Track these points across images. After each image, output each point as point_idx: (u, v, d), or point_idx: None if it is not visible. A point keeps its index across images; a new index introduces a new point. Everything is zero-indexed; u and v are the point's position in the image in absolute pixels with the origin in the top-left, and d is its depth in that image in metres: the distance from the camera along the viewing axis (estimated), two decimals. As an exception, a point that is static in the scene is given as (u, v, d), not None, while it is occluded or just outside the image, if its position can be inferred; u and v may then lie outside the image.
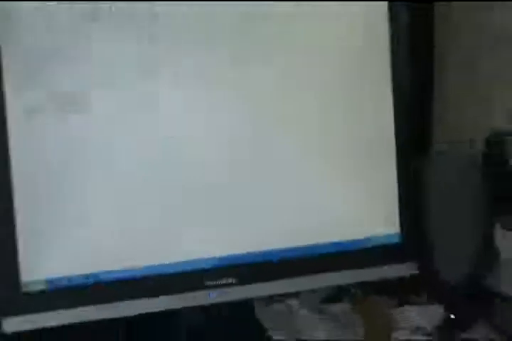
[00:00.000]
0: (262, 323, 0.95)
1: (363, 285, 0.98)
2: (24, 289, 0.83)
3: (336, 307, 0.98)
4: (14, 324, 0.83)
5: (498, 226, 0.95)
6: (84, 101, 0.82)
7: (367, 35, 0.90)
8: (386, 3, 0.91)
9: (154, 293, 0.86)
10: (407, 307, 0.97)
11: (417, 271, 0.92)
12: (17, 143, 0.81)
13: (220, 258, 0.88)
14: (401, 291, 0.99)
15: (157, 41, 0.83)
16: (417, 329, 0.93)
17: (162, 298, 0.86)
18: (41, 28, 0.81)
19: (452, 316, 0.95)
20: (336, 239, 0.91)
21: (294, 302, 0.99)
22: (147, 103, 0.84)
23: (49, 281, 0.84)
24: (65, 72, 0.81)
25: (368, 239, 0.92)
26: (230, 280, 0.87)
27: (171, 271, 0.87)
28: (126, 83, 0.82)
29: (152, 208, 0.85)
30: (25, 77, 0.81)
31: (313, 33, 0.89)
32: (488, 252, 0.95)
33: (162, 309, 0.87)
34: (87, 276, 0.84)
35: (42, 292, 0.83)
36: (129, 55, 0.83)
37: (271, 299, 0.98)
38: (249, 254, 0.89)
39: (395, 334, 0.93)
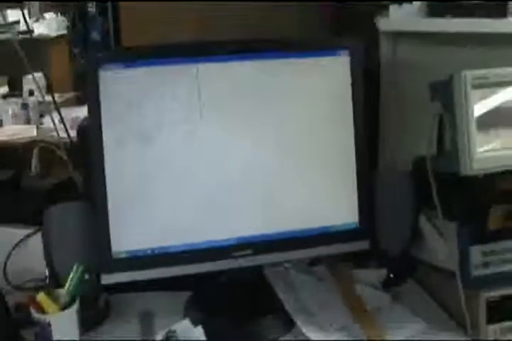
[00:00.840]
0: (269, 279, 0.95)
1: (334, 256, 0.97)
2: (114, 256, 0.85)
3: (316, 269, 0.98)
4: (108, 278, 0.85)
5: (422, 216, 0.94)
6: (152, 137, 0.84)
7: (337, 89, 0.90)
8: (349, 70, 0.89)
9: (197, 261, 0.87)
10: (362, 270, 0.97)
11: (368, 247, 0.93)
12: (110, 162, 0.83)
13: (240, 238, 0.88)
14: (358, 259, 0.98)
15: (201, 94, 0.85)
16: (369, 284, 0.94)
17: (204, 264, 0.87)
18: (124, 88, 0.83)
19: (391, 275, 0.95)
20: (315, 225, 0.91)
21: (288, 266, 0.98)
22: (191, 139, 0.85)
23: (129, 252, 0.85)
24: (139, 116, 0.83)
25: (337, 225, 0.92)
26: (248, 252, 0.88)
27: (209, 245, 0.87)
28: (177, 125, 0.84)
29: (200, 203, 0.86)
30: (115, 119, 0.83)
31: (306, 88, 0.89)
32: (415, 233, 0.94)
33: (203, 270, 0.87)
34: (154, 249, 0.86)
35: (125, 258, 0.85)
36: (180, 104, 0.84)
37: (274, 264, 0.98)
38: (260, 235, 0.89)
39: (355, 287, 0.93)
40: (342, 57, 0.90)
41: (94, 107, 0.83)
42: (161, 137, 0.84)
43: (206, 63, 0.85)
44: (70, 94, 2.52)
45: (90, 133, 0.84)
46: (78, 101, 2.44)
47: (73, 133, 1.19)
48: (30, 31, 1.34)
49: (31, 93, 2.48)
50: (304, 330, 0.85)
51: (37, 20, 3.02)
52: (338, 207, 0.92)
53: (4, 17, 2.23)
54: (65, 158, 1.14)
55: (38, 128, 2.31)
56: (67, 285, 0.84)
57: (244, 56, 0.86)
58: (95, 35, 2.64)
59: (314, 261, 0.99)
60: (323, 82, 0.89)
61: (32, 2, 3.09)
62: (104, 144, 0.83)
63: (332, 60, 0.89)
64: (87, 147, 0.84)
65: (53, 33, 2.87)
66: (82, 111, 1.99)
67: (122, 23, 1.35)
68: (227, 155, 0.87)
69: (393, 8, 1.08)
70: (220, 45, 0.86)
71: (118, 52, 0.92)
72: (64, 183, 1.17)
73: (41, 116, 2.42)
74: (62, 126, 1.21)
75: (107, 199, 0.83)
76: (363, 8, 1.24)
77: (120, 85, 0.83)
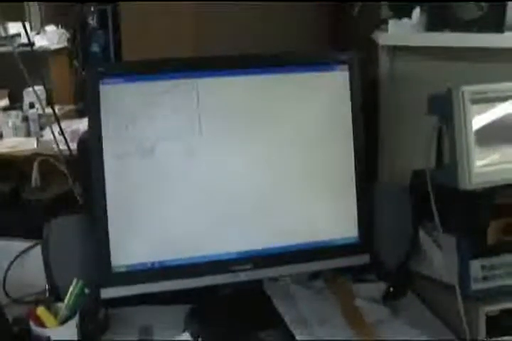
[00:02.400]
0: (268, 293, 0.95)
1: (333, 269, 0.97)
2: (114, 270, 0.85)
3: (316, 283, 0.98)
4: (108, 292, 0.85)
5: (421, 229, 0.94)
6: (152, 150, 0.84)
7: (336, 104, 0.90)
8: (348, 85, 0.90)
9: (196, 275, 0.87)
10: (362, 284, 0.97)
11: (369, 261, 0.93)
12: (110, 176, 0.84)
13: (240, 252, 0.88)
14: (357, 272, 0.98)
15: (200, 108, 0.85)
16: (369, 298, 0.94)
17: (204, 278, 0.87)
18: (125, 102, 0.84)
19: (391, 289, 0.95)
20: (315, 239, 0.91)
21: (288, 279, 0.98)
22: (190, 153, 0.86)
23: (129, 265, 0.85)
24: (139, 130, 0.84)
25: (337, 240, 0.92)
26: (248, 266, 0.88)
27: (208, 259, 0.87)
28: (176, 139, 0.85)
29: (198, 217, 0.86)
30: (115, 133, 0.83)
31: (305, 102, 0.89)
32: (414, 246, 0.94)
33: (203, 284, 0.87)
34: (154, 263, 0.86)
35: (125, 272, 0.85)
36: (180, 119, 0.85)
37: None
38: (260, 249, 0.89)
39: (354, 301, 0.93)
40: (341, 72, 0.90)
41: (95, 121, 0.84)
42: (161, 151, 0.85)
43: (206, 78, 0.86)
44: (70, 107, 2.54)
45: (90, 147, 0.84)
46: (78, 114, 2.45)
47: (73, 146, 1.19)
48: (31, 44, 1.34)
49: (32, 106, 2.49)
50: (304, 344, 0.84)
51: (38, 33, 3.04)
52: (338, 221, 0.92)
53: (5, 30, 2.25)
54: (65, 171, 1.14)
55: (38, 140, 2.32)
56: (66, 299, 0.84)
57: (243, 71, 0.87)
58: (95, 48, 2.65)
59: (314, 275, 0.99)
60: (322, 96, 0.90)
61: (33, 16, 3.11)
62: (105, 157, 0.84)
63: (331, 74, 0.90)
64: (87, 160, 0.84)
65: (54, 46, 2.88)
66: (82, 124, 2.01)
67: (123, 36, 1.36)
68: (226, 169, 0.87)
69: (392, 23, 1.08)
70: (219, 60, 0.87)
71: (118, 66, 0.92)
72: (64, 196, 1.18)
73: (41, 128, 2.43)
74: (62, 138, 1.21)
75: (106, 213, 0.84)
76: (360, 23, 1.25)
77: (120, 99, 0.84)
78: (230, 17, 1.16)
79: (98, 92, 0.83)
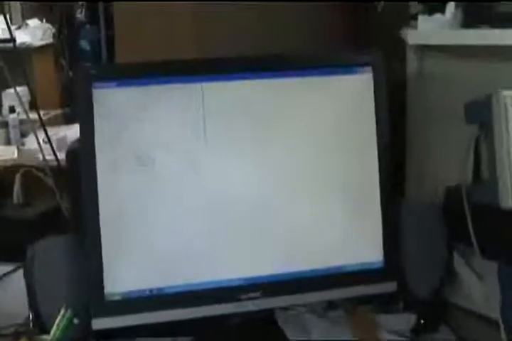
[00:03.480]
0: (280, 325, 0.95)
1: (354, 298, 0.97)
2: (107, 298, 0.86)
3: (334, 313, 0.98)
4: (100, 323, 0.86)
5: (456, 254, 0.95)
6: (149, 160, 0.86)
7: (359, 111, 0.92)
8: (372, 89, 0.92)
9: (200, 303, 0.88)
10: (387, 315, 0.97)
11: (396, 289, 0.93)
12: (104, 190, 0.85)
13: (248, 278, 0.89)
14: (382, 302, 0.98)
15: (205, 115, 0.87)
16: (396, 332, 0.94)
17: (207, 307, 0.88)
18: (120, 108, 0.86)
19: (421, 321, 0.95)
20: (333, 264, 0.92)
21: (302, 309, 0.98)
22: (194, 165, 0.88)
23: (124, 293, 0.86)
24: (136, 139, 0.86)
25: (359, 264, 0.93)
26: (257, 294, 0.89)
27: (213, 286, 0.88)
28: (178, 149, 0.87)
29: (200, 239, 0.88)
30: (109, 142, 0.85)
31: (323, 109, 0.91)
32: (448, 273, 0.95)
33: (206, 314, 0.88)
34: (152, 290, 0.87)
35: (120, 301, 0.86)
36: (183, 126, 0.87)
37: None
38: (270, 275, 0.90)
39: (379, 336, 0.93)
40: (364, 75, 0.92)
41: (87, 128, 0.86)
42: (160, 163, 0.87)
43: (212, 82, 0.88)
44: (56, 111, 2.56)
45: (82, 157, 0.86)
46: (65, 120, 2.47)
47: (61, 156, 1.21)
48: (13, 39, 1.37)
49: (12, 110, 2.52)
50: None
51: (19, 28, 3.07)
52: (360, 243, 0.93)
53: (-19, 23, 2.29)
54: (52, 184, 1.16)
55: (19, 149, 2.33)
56: (53, 330, 0.84)
57: (253, 74, 0.89)
58: (85, 45, 2.69)
59: (331, 305, 1.00)
60: (343, 103, 0.92)
61: (13, 7, 3.16)
62: (98, 169, 0.85)
63: (352, 78, 0.92)
64: (78, 172, 0.86)
65: (37, 42, 2.91)
66: (70, 131, 2.03)
67: (116, 33, 1.39)
68: (233, 184, 0.89)
69: (422, 19, 1.10)
70: (227, 62, 0.90)
71: (113, 68, 0.95)
72: (50, 213, 1.19)
73: (23, 135, 2.45)
74: (47, 146, 1.23)
75: (100, 233, 0.85)
76: (386, 19, 1.27)
77: (115, 105, 0.86)
78: (231, 16, 1.18)
79: (90, 97, 0.85)
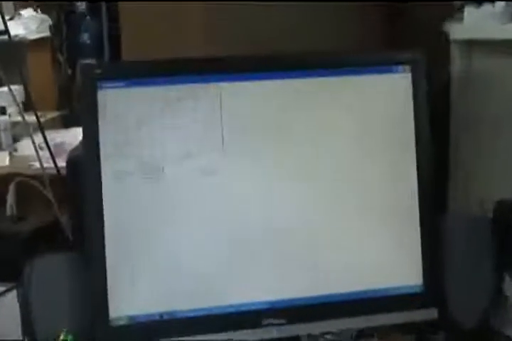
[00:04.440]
0: None
1: (388, 326, 0.96)
2: (112, 323, 0.87)
3: None
4: None
5: (506, 276, 0.95)
6: (159, 170, 0.88)
7: (396, 115, 0.93)
8: (411, 90, 0.92)
9: (218, 330, 0.88)
10: None
11: (437, 316, 0.92)
12: (109, 203, 0.86)
13: (272, 302, 0.90)
14: (421, 331, 0.98)
15: (223, 120, 0.89)
16: None
17: (224, 333, 0.88)
18: (128, 111, 0.87)
19: None
20: (365, 288, 0.92)
21: (330, 337, 0.98)
22: (208, 171, 0.89)
23: (131, 317, 0.87)
24: (146, 145, 0.88)
25: (395, 288, 0.93)
26: (281, 320, 0.89)
27: (233, 310, 0.89)
28: (193, 158, 0.88)
29: (218, 258, 0.89)
30: (116, 148, 0.87)
31: (355, 114, 0.92)
32: (497, 299, 0.95)
33: None
34: (162, 314, 0.88)
35: (126, 326, 0.87)
36: (198, 132, 0.89)
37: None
38: (296, 299, 0.90)
39: None
40: (402, 75, 0.93)
41: (91, 133, 0.88)
42: (173, 172, 0.88)
43: (231, 82, 0.89)
44: (53, 113, 2.58)
45: (85, 166, 0.88)
46: (63, 123, 2.49)
47: (58, 163, 1.24)
48: (8, 32, 1.38)
49: (3, 111, 2.55)
50: None
51: (11, 19, 3.10)
52: (396, 264, 0.93)
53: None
54: (50, 196, 1.18)
55: (11, 155, 2.35)
56: (51, 358, 0.86)
57: (278, 74, 0.90)
58: (85, 39, 2.72)
59: (363, 333, 1.00)
60: (378, 106, 0.93)
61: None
62: (103, 179, 0.86)
63: (388, 78, 0.93)
64: (80, 183, 0.88)
65: (32, 35, 2.94)
66: (69, 136, 2.06)
67: (122, 26, 1.41)
68: (254, 197, 0.90)
69: (469, 11, 1.10)
70: (248, 61, 0.91)
71: (121, 66, 0.96)
72: (47, 228, 1.21)
73: (15, 140, 2.46)
74: (43, 153, 1.25)
75: (104, 251, 0.86)
76: (426, 12, 1.27)
77: (123, 107, 0.88)
78: (247, 10, 1.19)
79: (95, 99, 0.87)
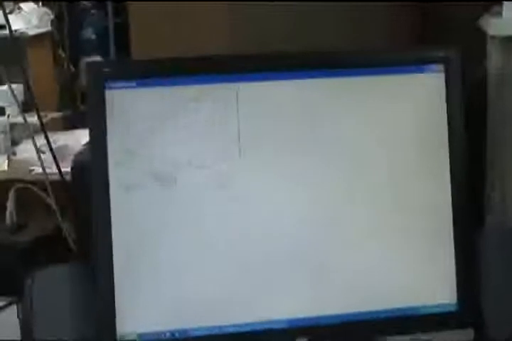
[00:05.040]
0: None
1: None
2: (119, 340, 0.87)
3: None
4: None
5: None
6: (174, 178, 0.88)
7: (427, 118, 0.93)
8: (444, 91, 0.92)
9: None
10: None
11: (473, 338, 0.92)
12: (117, 212, 0.87)
13: (291, 320, 0.90)
14: None
15: (241, 123, 0.89)
16: None
17: None
18: (138, 113, 0.88)
19: None
20: (394, 306, 0.92)
21: None
22: (224, 181, 0.89)
23: (140, 335, 0.88)
24: (157, 150, 0.88)
25: (427, 307, 0.92)
26: (303, 340, 0.90)
27: (249, 329, 0.89)
28: (207, 164, 0.89)
29: (233, 273, 0.89)
30: (125, 154, 0.88)
31: (383, 116, 0.92)
32: None
33: None
34: (174, 332, 0.88)
35: None
36: (213, 136, 0.89)
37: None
38: (318, 317, 0.90)
39: None
40: (434, 74, 0.93)
41: (98, 138, 0.88)
42: (186, 181, 0.89)
43: (250, 83, 0.90)
44: (54, 114, 2.59)
45: (91, 172, 0.88)
46: (65, 124, 2.50)
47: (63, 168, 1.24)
48: (9, 26, 1.39)
49: (2, 112, 2.56)
50: None
51: (10, 12, 3.13)
52: (427, 281, 0.93)
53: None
54: (52, 203, 1.19)
55: (9, 160, 2.37)
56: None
57: (301, 73, 0.90)
58: (89, 34, 2.74)
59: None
60: (408, 108, 0.93)
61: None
62: (111, 189, 0.87)
63: (420, 77, 0.93)
64: (86, 190, 0.88)
65: (32, 30, 2.96)
66: (72, 138, 2.08)
67: (131, 21, 1.42)
68: (275, 207, 0.90)
69: (508, 5, 1.10)
70: (268, 59, 0.92)
71: (131, 64, 0.97)
72: (49, 237, 1.22)
73: (14, 143, 2.48)
74: (44, 157, 1.26)
75: (112, 263, 0.87)
76: (461, 7, 1.27)
77: (133, 110, 0.88)
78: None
79: (103, 100, 0.88)
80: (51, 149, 1.25)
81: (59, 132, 2.18)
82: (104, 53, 2.71)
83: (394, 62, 0.93)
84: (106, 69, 0.90)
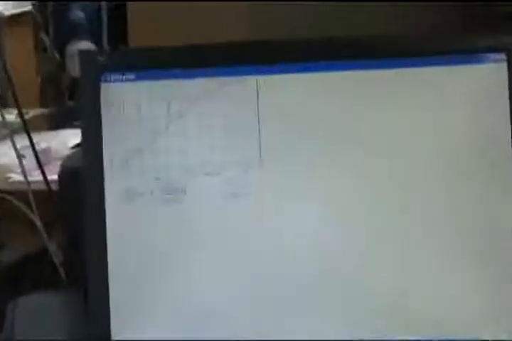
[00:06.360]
0: None
1: None
2: None
3: None
4: None
5: None
6: (179, 187, 0.90)
7: (487, 115, 0.93)
8: (507, 84, 0.92)
9: None
10: None
11: None
12: (114, 227, 0.89)
13: None
14: None
15: (261, 122, 0.91)
16: None
17: None
18: (139, 110, 0.90)
19: None
20: (449, 336, 0.92)
21: None
22: (241, 191, 0.90)
23: None
24: (161, 155, 0.90)
25: (482, 336, 0.92)
26: None
27: None
28: (220, 171, 0.90)
29: (249, 294, 0.90)
30: (124, 158, 0.89)
31: (434, 114, 0.92)
32: None
33: None
34: None
35: None
36: (227, 138, 0.90)
37: None
38: None
39: None
40: (495, 64, 0.93)
41: (92, 139, 0.90)
42: (196, 191, 0.90)
43: (272, 75, 0.91)
44: (36, 111, 2.59)
45: (84, 180, 0.90)
46: (49, 123, 2.51)
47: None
48: None
49: (-27, 108, 2.59)
50: None
51: (-18, -11, 3.15)
52: (488, 310, 0.93)
53: None
54: (36, 218, 1.20)
55: (-18, 165, 2.38)
56: None
57: (332, 64, 0.91)
58: (78, 16, 2.74)
59: None
60: (464, 104, 0.93)
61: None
62: (107, 198, 0.89)
63: (478, 69, 0.93)
64: (76, 202, 0.90)
65: (10, 9, 2.97)
66: (56, 139, 2.08)
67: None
68: (299, 221, 0.91)
69: None
70: (293, 46, 0.92)
71: (130, 54, 0.98)
72: (33, 258, 1.23)
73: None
74: (25, 162, 1.27)
75: (108, 288, 0.88)
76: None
77: (133, 106, 0.90)
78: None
79: (97, 95, 0.90)
80: (36, 153, 1.26)
81: (42, 132, 2.18)
82: (96, 38, 2.71)
83: (445, 51, 0.93)
84: (101, 59, 0.91)
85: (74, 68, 2.62)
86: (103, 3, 2.69)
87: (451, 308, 0.92)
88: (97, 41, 2.70)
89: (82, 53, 0.95)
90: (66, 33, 2.76)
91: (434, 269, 0.92)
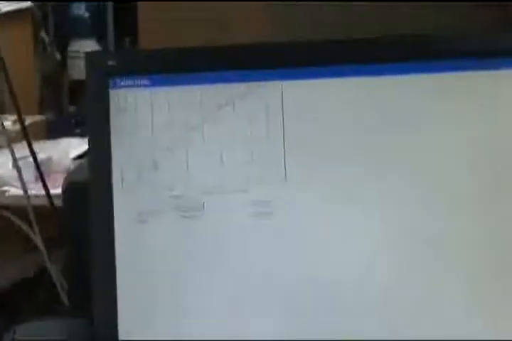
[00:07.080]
0: None
1: None
2: None
3: None
4: None
5: None
6: (196, 204, 0.90)
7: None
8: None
9: None
10: None
11: None
12: (125, 250, 0.89)
13: None
14: None
15: (286, 133, 0.90)
16: None
17: None
18: (152, 119, 0.90)
19: None
20: None
21: None
22: (264, 209, 0.90)
23: None
24: (175, 169, 0.90)
25: None
26: None
27: None
28: (243, 187, 0.90)
29: (270, 324, 0.90)
30: (135, 173, 0.90)
31: (481, 116, 0.92)
32: None
33: None
34: None
35: None
36: (249, 151, 0.90)
37: None
38: None
39: None
40: None
41: (101, 150, 0.90)
42: (214, 209, 0.90)
43: (297, 80, 0.91)
44: (35, 118, 2.60)
45: (91, 196, 0.90)
46: (49, 131, 2.52)
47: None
48: None
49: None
50: None
51: (-23, -16, 3.18)
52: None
53: None
54: (37, 238, 1.20)
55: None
56: None
57: (362, 68, 0.91)
58: (80, 12, 2.76)
59: None
60: (502, 111, 0.92)
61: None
62: (116, 216, 0.89)
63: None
64: (82, 221, 0.90)
65: (7, 5, 2.99)
66: (57, 149, 2.09)
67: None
68: (331, 241, 0.91)
69: None
70: (320, 48, 0.92)
71: (142, 56, 0.97)
72: (34, 281, 1.23)
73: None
74: (23, 175, 1.27)
75: (116, 319, 0.88)
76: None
77: (145, 115, 0.90)
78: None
79: (107, 102, 0.90)
80: (38, 166, 1.26)
81: (40, 141, 2.19)
82: (100, 36, 2.73)
83: (490, 53, 0.92)
84: (111, 62, 0.91)
85: (76, 70, 2.63)
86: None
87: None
88: (102, 39, 2.71)
89: (89, 56, 0.95)
90: (67, 30, 2.77)
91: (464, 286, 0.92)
